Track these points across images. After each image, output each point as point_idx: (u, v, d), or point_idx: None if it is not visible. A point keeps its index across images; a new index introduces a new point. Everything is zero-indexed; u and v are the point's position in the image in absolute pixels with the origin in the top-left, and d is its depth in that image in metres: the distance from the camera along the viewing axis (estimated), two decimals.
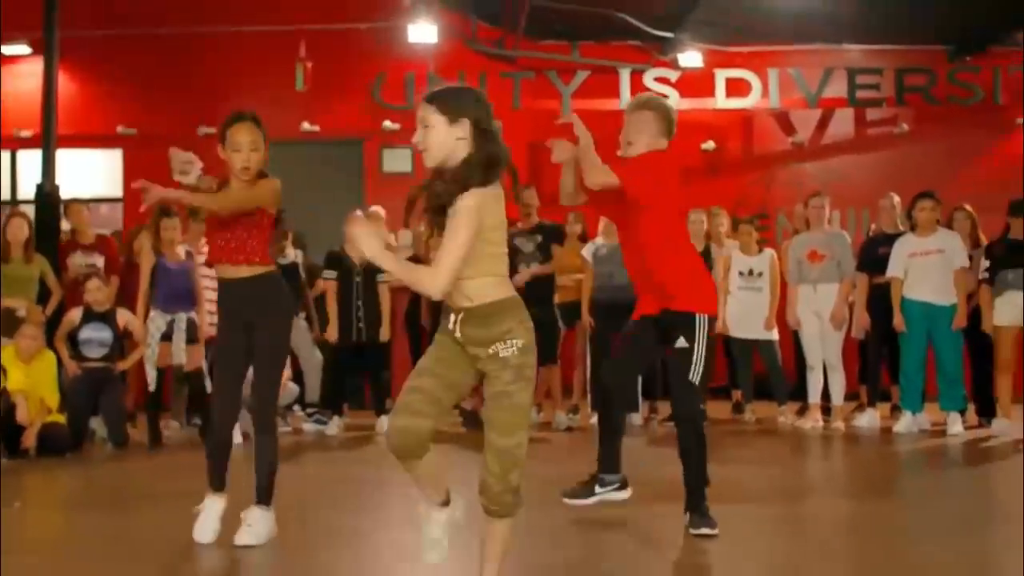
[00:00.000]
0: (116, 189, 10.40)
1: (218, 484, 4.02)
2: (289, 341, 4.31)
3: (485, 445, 2.77)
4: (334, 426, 7.84)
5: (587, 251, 8.22)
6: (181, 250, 7.32)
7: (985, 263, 7.35)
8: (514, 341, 2.74)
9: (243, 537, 3.86)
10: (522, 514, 2.83)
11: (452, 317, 2.81)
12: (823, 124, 10.86)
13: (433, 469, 2.89)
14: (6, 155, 10.60)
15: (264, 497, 3.96)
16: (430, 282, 2.71)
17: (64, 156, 9.21)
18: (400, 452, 2.77)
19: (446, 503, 2.98)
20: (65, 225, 8.52)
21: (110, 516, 4.73)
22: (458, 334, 2.80)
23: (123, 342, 7.36)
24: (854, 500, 5.26)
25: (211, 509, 3.97)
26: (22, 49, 10.45)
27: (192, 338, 7.19)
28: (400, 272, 2.77)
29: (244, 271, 3.96)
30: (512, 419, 2.76)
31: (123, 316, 7.31)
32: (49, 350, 6.98)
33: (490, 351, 2.75)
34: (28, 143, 10.15)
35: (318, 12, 10.04)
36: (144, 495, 5.37)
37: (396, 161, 10.28)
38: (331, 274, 7.98)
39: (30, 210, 8.38)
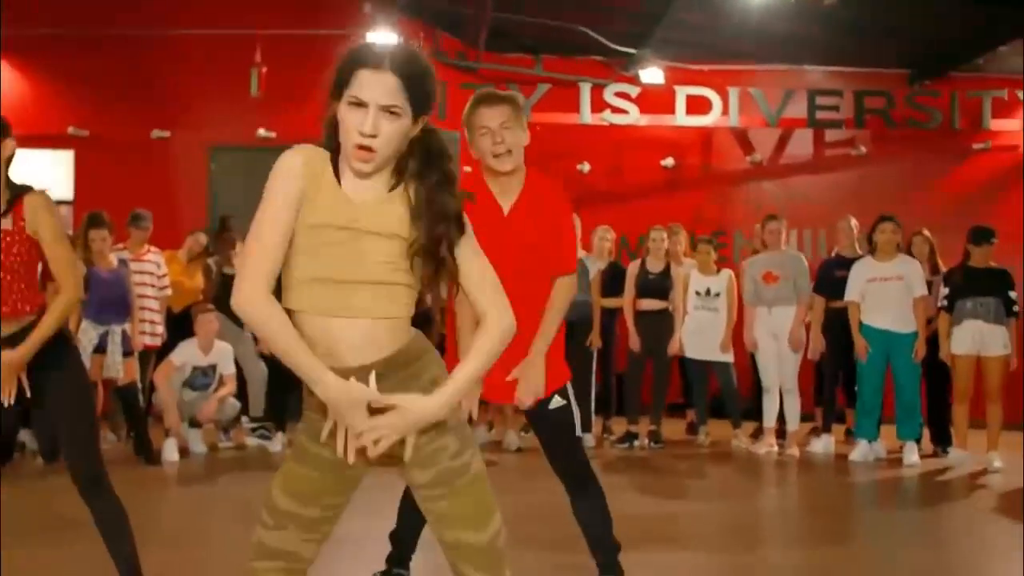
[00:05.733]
0: (67, 192, 9.74)
1: None
2: (85, 384, 3.12)
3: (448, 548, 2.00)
4: (278, 442, 7.29)
5: None
6: (114, 258, 6.76)
7: (944, 290, 6.93)
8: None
9: None
10: None
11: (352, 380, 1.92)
12: (782, 144, 10.45)
13: None
14: None
15: None
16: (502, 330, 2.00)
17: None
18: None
19: None
20: None
21: (27, 546, 4.14)
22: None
23: None
24: (808, 546, 4.71)
25: None
26: None
27: (126, 351, 6.62)
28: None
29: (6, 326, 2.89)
30: (490, 502, 2.01)
31: None
32: None
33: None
34: None
35: (276, 17, 9.47)
36: (68, 520, 4.78)
37: None
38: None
39: None
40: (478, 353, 1.95)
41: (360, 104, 1.85)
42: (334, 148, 1.92)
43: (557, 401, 3.23)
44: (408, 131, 1.90)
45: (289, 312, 1.89)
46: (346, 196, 1.91)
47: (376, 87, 1.84)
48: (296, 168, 1.88)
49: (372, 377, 1.86)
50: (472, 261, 1.96)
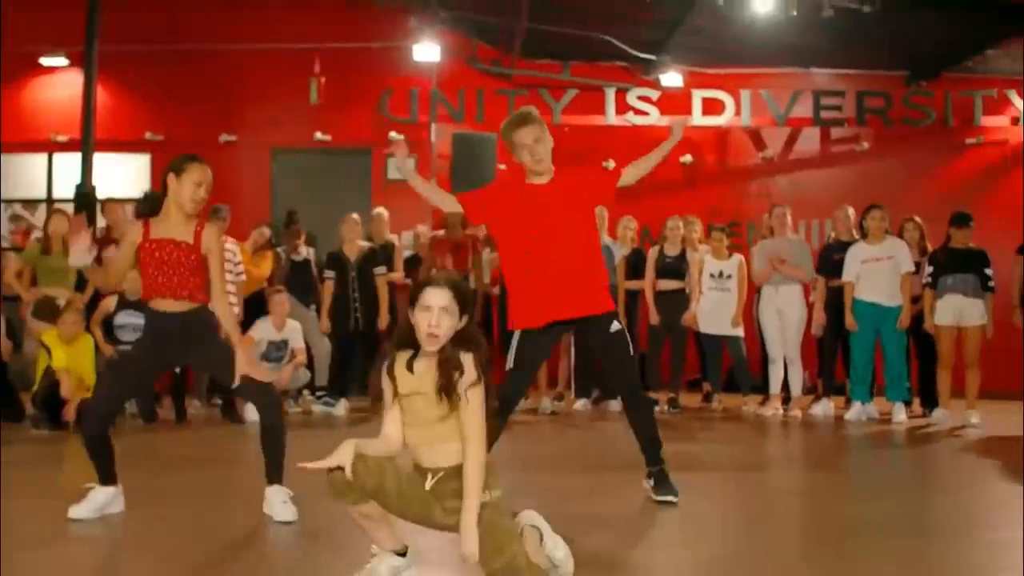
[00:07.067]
0: (144, 190, 10.78)
1: (105, 478, 3.98)
2: (229, 355, 4.01)
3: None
4: (341, 407, 8.22)
5: None
6: None
7: (929, 269, 7.77)
8: (491, 492, 2.82)
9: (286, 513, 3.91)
10: (508, 479, 3.08)
11: (429, 476, 2.87)
12: (791, 141, 11.29)
13: (381, 512, 2.83)
14: (44, 158, 10.98)
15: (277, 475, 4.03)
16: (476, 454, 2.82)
17: (97, 159, 9.56)
18: (335, 487, 2.72)
19: (401, 553, 2.92)
20: (101, 222, 8.90)
21: (147, 475, 5.07)
22: (428, 487, 2.87)
23: None
24: (805, 471, 5.73)
25: (97, 496, 3.96)
26: (60, 61, 10.85)
27: None
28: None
29: (178, 305, 3.93)
30: (499, 540, 2.71)
31: None
32: (88, 334, 7.35)
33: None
34: (64, 147, 10.56)
35: (332, 32, 10.43)
36: (177, 460, 5.77)
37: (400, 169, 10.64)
38: (330, 273, 8.38)
39: (69, 208, 8.76)
40: (468, 474, 2.78)
41: (428, 308, 2.83)
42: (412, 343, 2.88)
43: (616, 326, 4.20)
44: (457, 325, 2.86)
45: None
46: (410, 376, 2.89)
47: (437, 296, 2.84)
48: (387, 382, 2.91)
49: (429, 479, 2.86)
50: (468, 398, 2.82)
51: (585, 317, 4.20)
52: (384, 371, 2.92)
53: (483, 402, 2.82)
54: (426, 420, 2.85)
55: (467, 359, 2.83)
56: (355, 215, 8.63)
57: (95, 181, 9.26)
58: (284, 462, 4.01)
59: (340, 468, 2.69)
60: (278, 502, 3.93)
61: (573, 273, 4.15)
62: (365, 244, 8.55)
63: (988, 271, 7.60)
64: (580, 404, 8.57)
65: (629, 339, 4.30)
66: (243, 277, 8.59)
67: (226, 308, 4.06)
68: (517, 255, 4.20)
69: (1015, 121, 10.94)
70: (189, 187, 3.94)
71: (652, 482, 4.28)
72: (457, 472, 2.82)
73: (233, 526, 3.92)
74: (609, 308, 4.24)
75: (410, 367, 2.87)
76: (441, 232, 8.83)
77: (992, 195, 10.50)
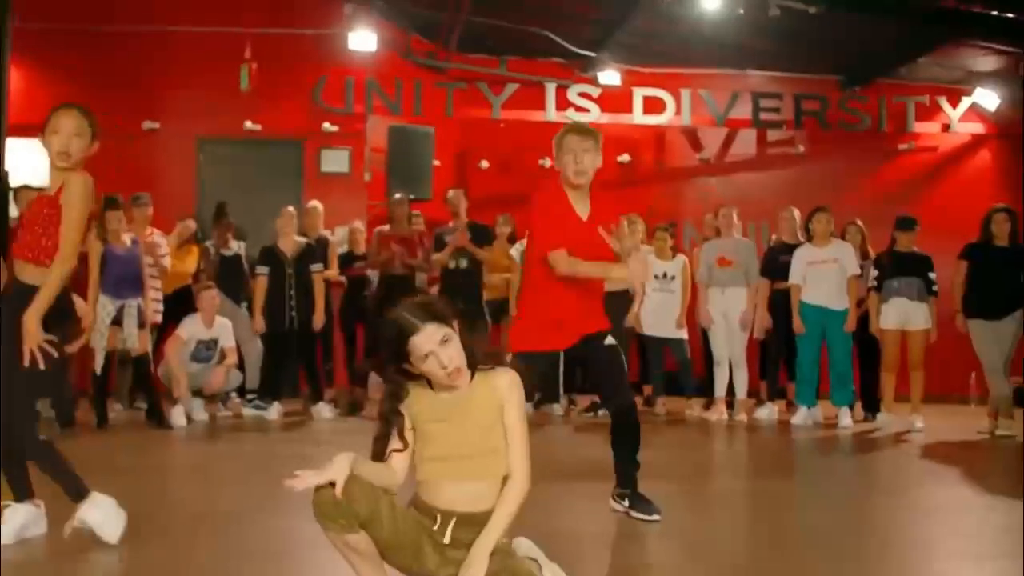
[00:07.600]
0: None
1: (19, 492, 3.50)
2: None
3: None
4: (273, 411, 7.82)
5: (515, 251, 8.39)
6: (127, 238, 7.24)
7: (874, 272, 7.74)
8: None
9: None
10: None
11: (439, 519, 2.48)
12: (728, 142, 11.23)
13: (371, 548, 2.42)
14: None
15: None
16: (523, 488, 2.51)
17: (9, 144, 8.93)
18: (323, 508, 2.32)
19: None
20: (14, 211, 8.28)
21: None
22: (447, 539, 2.47)
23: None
24: (752, 478, 5.57)
25: (15, 516, 3.46)
26: None
27: (140, 323, 7.11)
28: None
29: (31, 274, 3.39)
30: None
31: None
32: None
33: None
34: None
35: (264, 16, 9.95)
36: (99, 468, 5.29)
37: (334, 162, 10.23)
38: (263, 269, 7.97)
39: None
40: (505, 504, 2.47)
41: (428, 353, 2.42)
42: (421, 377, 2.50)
43: (610, 340, 4.02)
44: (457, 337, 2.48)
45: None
46: (441, 399, 2.51)
47: (427, 336, 2.42)
48: (402, 417, 2.51)
49: (449, 528, 2.46)
50: (515, 427, 2.51)
51: (584, 336, 4.04)
52: (394, 401, 2.51)
53: (527, 432, 2.51)
54: (457, 453, 2.48)
55: (507, 377, 2.50)
56: (291, 208, 8.24)
57: (7, 167, 8.60)
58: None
59: (331, 484, 2.30)
60: (98, 515, 3.41)
61: (588, 297, 4.04)
62: (302, 240, 8.16)
63: (932, 275, 7.61)
64: None
65: (623, 356, 4.09)
66: (168, 259, 8.11)
67: (55, 280, 3.31)
68: (547, 276, 3.98)
69: (945, 128, 11.07)
70: (50, 138, 3.54)
71: (627, 503, 4.05)
72: (470, 520, 2.46)
73: (170, 540, 3.55)
74: (605, 327, 4.08)
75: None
76: (387, 227, 8.46)
77: (923, 200, 10.56)
